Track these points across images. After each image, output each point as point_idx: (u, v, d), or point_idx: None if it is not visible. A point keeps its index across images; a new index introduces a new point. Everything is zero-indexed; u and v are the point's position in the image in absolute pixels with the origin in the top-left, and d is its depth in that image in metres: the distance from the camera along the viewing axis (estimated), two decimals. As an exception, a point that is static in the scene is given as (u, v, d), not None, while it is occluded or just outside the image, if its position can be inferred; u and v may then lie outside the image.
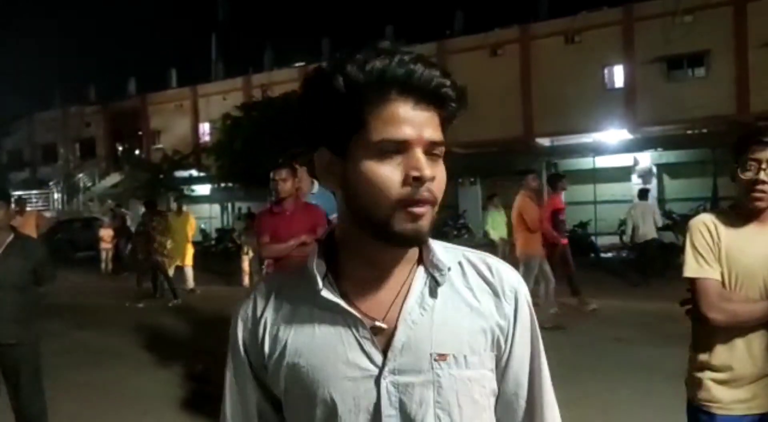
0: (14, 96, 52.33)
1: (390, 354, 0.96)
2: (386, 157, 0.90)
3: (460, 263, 1.05)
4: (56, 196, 32.65)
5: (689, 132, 21.05)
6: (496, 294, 1.03)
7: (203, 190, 28.10)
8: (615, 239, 17.54)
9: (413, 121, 0.90)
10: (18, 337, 3.85)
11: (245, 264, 12.16)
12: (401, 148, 0.90)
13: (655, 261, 11.12)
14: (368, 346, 0.96)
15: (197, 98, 33.28)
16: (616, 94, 23.05)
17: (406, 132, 0.90)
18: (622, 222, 15.19)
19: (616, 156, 21.22)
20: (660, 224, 11.78)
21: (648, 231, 11.13)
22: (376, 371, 0.96)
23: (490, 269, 1.05)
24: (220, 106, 26.19)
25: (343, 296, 0.98)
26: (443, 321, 0.99)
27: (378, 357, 0.96)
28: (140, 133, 34.75)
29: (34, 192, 31.68)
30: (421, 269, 1.02)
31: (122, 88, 37.54)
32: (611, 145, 21.84)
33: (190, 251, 12.61)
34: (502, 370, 1.04)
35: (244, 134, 19.52)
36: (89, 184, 33.21)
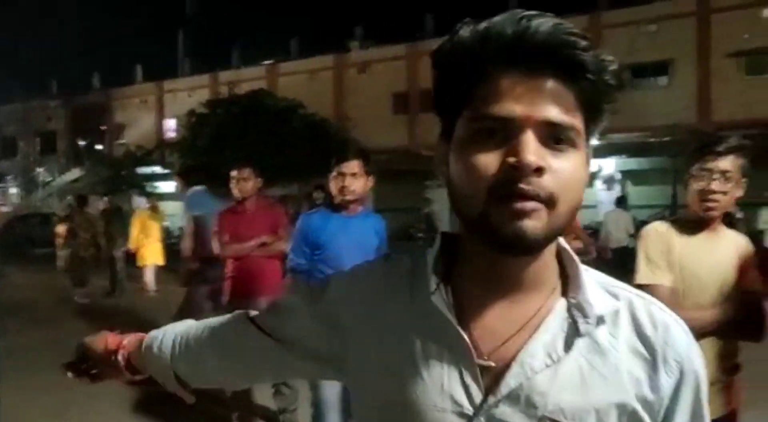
0: (-28, 87, 50.77)
1: (491, 398, 0.76)
2: (486, 139, 0.72)
3: (617, 311, 0.80)
4: (14, 190, 31.82)
5: (651, 140, 21.46)
6: (653, 359, 0.78)
7: (167, 187, 27.64)
8: (579, 244, 17.74)
9: (522, 95, 0.71)
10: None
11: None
12: (505, 128, 0.71)
13: (622, 267, 11.24)
14: (469, 379, 0.77)
15: (163, 94, 32.87)
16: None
17: (510, 108, 0.71)
18: (588, 228, 15.37)
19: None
20: (632, 231, 12.00)
21: (621, 237, 11.37)
22: (471, 410, 0.76)
23: (654, 324, 0.80)
24: (186, 103, 25.80)
25: (455, 310, 0.79)
26: (570, 379, 0.76)
27: (477, 395, 0.77)
28: (103, 128, 34.13)
29: (-9, 186, 30.82)
30: (561, 304, 0.80)
31: (86, 82, 36.91)
32: (576, 150, 22.13)
33: (160, 250, 12.22)
34: None
35: (209, 131, 19.28)
36: (49, 179, 32.45)
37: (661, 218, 2.52)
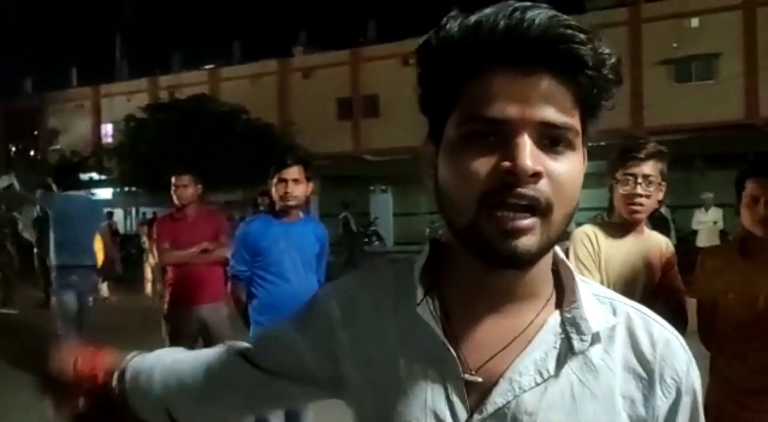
0: None
1: (477, 416, 0.72)
2: (478, 142, 0.67)
3: (613, 327, 0.75)
4: (-61, 198, 30.29)
5: (590, 144, 22.11)
6: (649, 378, 0.74)
7: (104, 193, 26.85)
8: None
9: (517, 94, 0.65)
10: None
11: (148, 272, 11.67)
12: (499, 130, 0.66)
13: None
14: (454, 395, 0.73)
15: (100, 98, 31.98)
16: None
17: (504, 109, 0.65)
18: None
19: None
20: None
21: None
22: None
23: (652, 340, 0.75)
24: (124, 107, 25.18)
25: (441, 321, 0.75)
26: (560, 397, 0.72)
27: (462, 413, 0.72)
28: (36, 133, 32.86)
29: None
30: (555, 318, 0.75)
31: (18, 86, 35.46)
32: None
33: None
34: None
35: (149, 137, 18.86)
36: (-23, 186, 31.02)
37: (601, 219, 2.63)
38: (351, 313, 0.81)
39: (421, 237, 17.23)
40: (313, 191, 3.46)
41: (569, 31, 0.64)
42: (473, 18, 0.67)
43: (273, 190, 3.31)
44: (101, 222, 5.98)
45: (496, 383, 0.72)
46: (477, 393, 0.73)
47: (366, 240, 20.22)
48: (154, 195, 19.82)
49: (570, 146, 0.68)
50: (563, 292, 0.77)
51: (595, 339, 0.74)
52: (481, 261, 0.70)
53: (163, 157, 16.70)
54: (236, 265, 3.42)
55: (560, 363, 0.72)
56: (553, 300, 0.77)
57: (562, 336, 0.74)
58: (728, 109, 20.49)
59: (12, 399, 5.66)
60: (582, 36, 0.65)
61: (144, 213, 24.74)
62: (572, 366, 0.73)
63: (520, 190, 0.65)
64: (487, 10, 0.66)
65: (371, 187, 22.89)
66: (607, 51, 0.68)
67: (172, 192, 4.46)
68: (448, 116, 0.70)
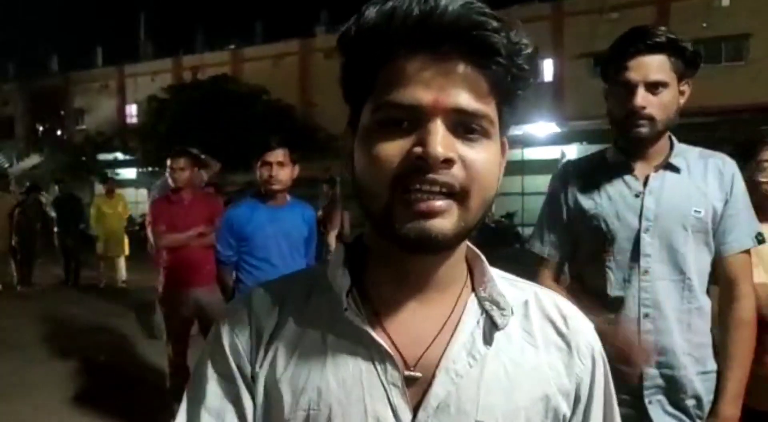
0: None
1: (421, 414, 0.71)
2: (391, 129, 0.67)
3: (526, 302, 0.79)
4: (-31, 176, 30.99)
5: (608, 127, 21.77)
6: (568, 348, 0.78)
7: (129, 173, 27.19)
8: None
9: (430, 80, 0.65)
10: None
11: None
12: (412, 116, 0.66)
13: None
14: (396, 397, 0.71)
15: (124, 78, 32.20)
16: (544, 87, 23.52)
17: (416, 94, 0.65)
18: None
19: (544, 148, 21.69)
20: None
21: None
22: None
23: (562, 316, 0.80)
24: (148, 87, 25.40)
25: (370, 320, 0.73)
26: (495, 379, 0.73)
27: (406, 415, 0.71)
28: (62, 113, 33.33)
29: (-55, 172, 30.00)
30: (473, 299, 0.77)
31: (44, 66, 35.93)
32: (540, 137, 22.29)
33: (124, 241, 11.44)
34: None
35: (170, 117, 19.00)
36: (6, 165, 31.63)
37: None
38: (267, 334, 0.76)
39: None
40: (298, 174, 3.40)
41: (482, 18, 0.64)
42: (390, 4, 0.66)
43: (257, 173, 3.27)
44: None
45: (433, 375, 0.72)
46: (416, 389, 0.72)
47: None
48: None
49: (485, 134, 0.68)
50: (473, 274, 0.79)
51: (514, 314, 0.76)
52: (398, 247, 0.69)
53: (184, 137, 16.80)
54: (222, 250, 3.39)
55: (487, 341, 0.74)
56: (469, 282, 0.78)
57: (483, 315, 0.75)
58: (758, 91, 19.90)
59: (26, 371, 5.79)
60: (495, 23, 0.65)
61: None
62: (500, 345, 0.75)
63: (432, 175, 0.65)
64: None
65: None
66: (523, 41, 0.67)
67: (168, 174, 4.44)
68: (364, 103, 0.70)
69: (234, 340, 0.77)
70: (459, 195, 0.66)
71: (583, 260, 1.91)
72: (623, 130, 1.78)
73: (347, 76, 0.73)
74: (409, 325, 0.74)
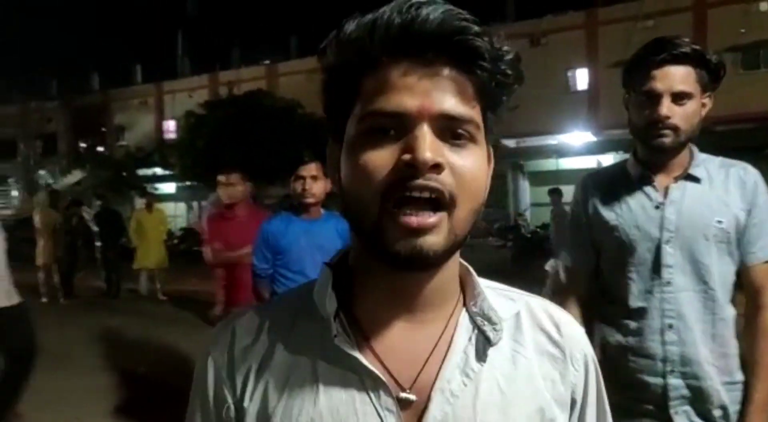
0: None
1: None
2: (378, 137, 0.66)
3: (517, 314, 0.78)
4: (15, 193, 31.93)
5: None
6: (563, 356, 0.77)
7: (168, 188, 27.72)
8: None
9: (415, 86, 0.65)
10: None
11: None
12: (398, 124, 0.65)
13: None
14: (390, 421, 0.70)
15: (162, 95, 32.89)
16: (580, 96, 23.28)
17: (402, 101, 0.65)
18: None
19: (579, 158, 21.43)
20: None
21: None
22: None
23: (555, 323, 0.79)
24: (185, 103, 25.81)
25: (360, 345, 0.71)
26: (490, 396, 0.72)
27: None
28: (103, 129, 34.17)
29: (-7, 189, 30.97)
30: (465, 315, 0.75)
31: (85, 83, 36.90)
32: (575, 146, 22.05)
33: (163, 253, 11.55)
34: None
35: (207, 133, 19.31)
36: (50, 181, 32.53)
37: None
38: (255, 367, 0.75)
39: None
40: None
41: (464, 24, 0.65)
42: (369, 16, 0.67)
43: (292, 186, 3.32)
44: None
45: (429, 397, 0.70)
46: (413, 411, 0.70)
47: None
48: (212, 190, 20.33)
49: (472, 139, 0.68)
50: (464, 289, 0.77)
51: (505, 327, 0.75)
52: (388, 264, 0.68)
53: (221, 152, 17.06)
54: (258, 263, 3.44)
55: (481, 358, 0.73)
56: (461, 298, 0.77)
57: (475, 331, 0.74)
58: (800, 97, 19.42)
59: (69, 382, 5.91)
60: (477, 29, 0.66)
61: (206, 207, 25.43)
62: (493, 361, 0.74)
63: (421, 181, 0.64)
64: (384, 8, 0.67)
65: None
66: (505, 47, 0.68)
67: (219, 190, 4.41)
68: (348, 115, 0.70)
69: (218, 375, 0.76)
70: (447, 203, 0.65)
71: (605, 271, 1.91)
72: (646, 139, 1.78)
73: (329, 88, 0.73)
74: (402, 347, 0.72)
